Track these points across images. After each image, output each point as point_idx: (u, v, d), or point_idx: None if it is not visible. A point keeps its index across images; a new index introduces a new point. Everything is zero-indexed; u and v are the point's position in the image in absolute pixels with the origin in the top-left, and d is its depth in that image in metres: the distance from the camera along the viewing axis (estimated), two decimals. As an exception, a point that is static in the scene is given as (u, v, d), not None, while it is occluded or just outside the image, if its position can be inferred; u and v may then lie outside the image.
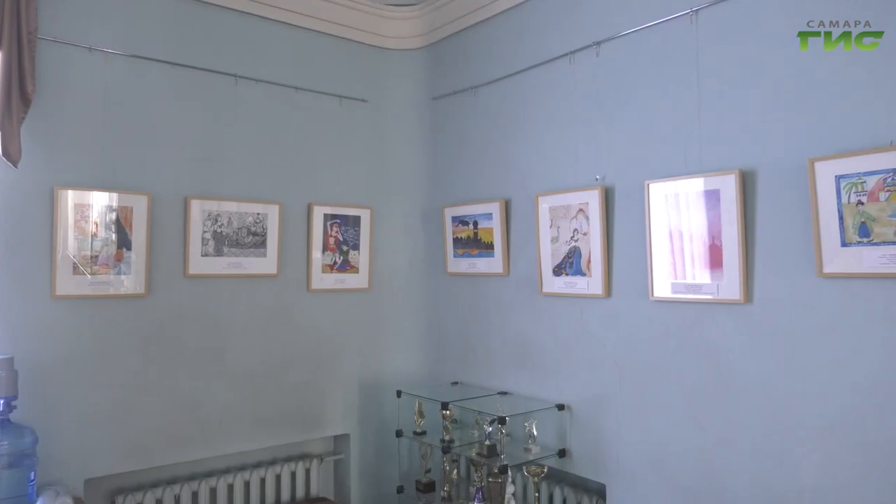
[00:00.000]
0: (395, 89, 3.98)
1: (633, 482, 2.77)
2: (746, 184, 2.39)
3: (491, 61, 3.48)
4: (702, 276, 2.51)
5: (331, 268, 3.67)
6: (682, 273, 2.57)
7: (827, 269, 2.15)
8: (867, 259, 2.06)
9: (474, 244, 3.53)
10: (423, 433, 3.42)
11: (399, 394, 3.49)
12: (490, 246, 3.43)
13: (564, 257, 3.02)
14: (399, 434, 3.45)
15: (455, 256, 3.65)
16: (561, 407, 3.05)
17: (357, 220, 3.77)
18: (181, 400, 3.17)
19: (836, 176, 2.11)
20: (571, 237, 2.99)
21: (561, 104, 3.09)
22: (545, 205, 3.11)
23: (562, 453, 3.02)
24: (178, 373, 3.16)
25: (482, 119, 3.53)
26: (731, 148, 2.44)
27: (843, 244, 2.11)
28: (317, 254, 3.62)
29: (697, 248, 2.52)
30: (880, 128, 2.05)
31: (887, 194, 2.01)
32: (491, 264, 3.43)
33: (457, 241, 3.63)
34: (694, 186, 2.52)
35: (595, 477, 2.92)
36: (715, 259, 2.46)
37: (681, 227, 2.57)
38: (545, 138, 3.17)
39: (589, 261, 2.92)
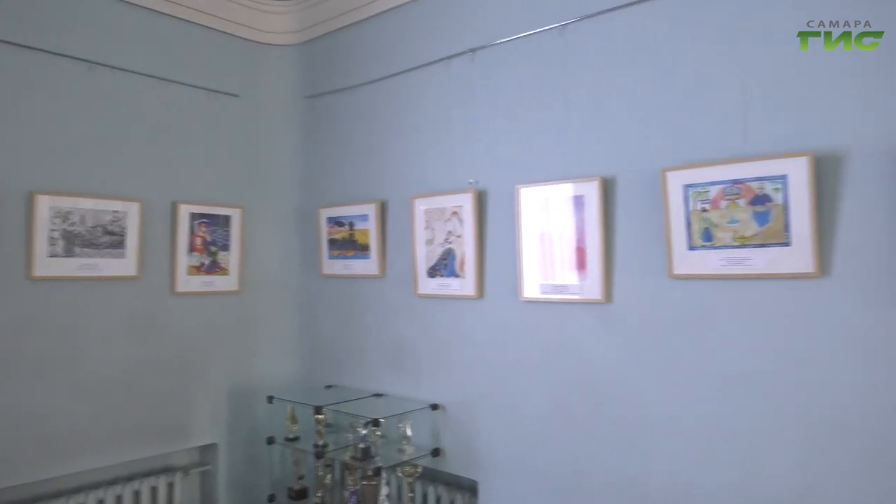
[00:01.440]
0: (270, 85, 3.85)
1: (504, 477, 2.86)
2: (608, 191, 2.54)
3: (368, 62, 3.47)
4: (568, 277, 2.64)
5: (198, 269, 3.49)
6: (552, 274, 2.69)
7: (676, 271, 2.34)
8: (710, 261, 2.26)
9: (350, 245, 3.49)
10: (296, 439, 3.34)
11: (270, 399, 3.38)
12: (366, 247, 3.41)
13: (439, 259, 3.07)
14: (270, 441, 3.34)
15: (330, 258, 3.60)
16: (435, 407, 3.09)
17: (227, 219, 3.61)
18: (22, 416, 2.87)
19: (684, 185, 2.30)
20: (446, 239, 3.04)
21: (437, 108, 3.14)
22: (421, 207, 3.14)
23: (435, 452, 3.06)
24: (18, 387, 2.87)
25: (359, 120, 3.51)
26: (594, 156, 2.59)
27: (691, 248, 2.30)
28: (182, 255, 3.42)
29: (565, 250, 2.65)
30: (724, 140, 2.26)
31: (727, 202, 2.22)
32: (366, 266, 3.41)
33: (332, 242, 3.58)
34: (563, 192, 2.64)
35: (468, 474, 2.99)
36: (580, 261, 2.60)
37: (551, 230, 2.69)
38: (422, 141, 3.20)
39: (462, 262, 2.98)
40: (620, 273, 2.52)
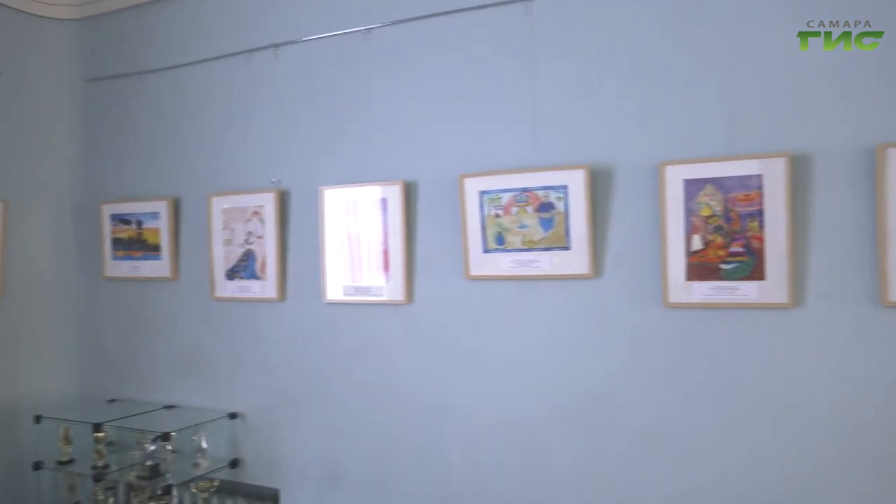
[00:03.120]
0: (42, 63, 3.39)
1: (307, 483, 2.80)
2: (410, 194, 2.60)
3: (162, 47, 3.20)
4: (373, 278, 2.66)
5: (-57, 272, 2.97)
6: (360, 276, 2.69)
7: (473, 272, 2.46)
8: (502, 263, 2.42)
9: (138, 245, 3.20)
10: (71, 462, 2.99)
11: (38, 419, 2.98)
12: (157, 248, 3.15)
13: (238, 260, 2.93)
14: (37, 466, 2.95)
15: (115, 259, 3.27)
16: (233, 416, 2.95)
17: (-16, 214, 3.12)
18: None
19: (480, 191, 2.43)
20: (246, 240, 2.91)
21: (239, 103, 2.99)
22: (219, 206, 2.97)
23: (234, 463, 2.92)
24: None
25: (150, 109, 3.23)
26: (398, 160, 2.64)
27: (486, 251, 2.44)
28: (-78, 254, 2.90)
29: (370, 252, 2.66)
30: (516, 151, 2.41)
31: (517, 209, 2.38)
32: (157, 268, 3.15)
33: (117, 241, 3.25)
34: (369, 194, 2.65)
35: (269, 483, 2.89)
36: (385, 263, 2.63)
37: (359, 232, 2.68)
38: (221, 137, 3.03)
39: (264, 264, 2.87)
40: (422, 275, 2.60)
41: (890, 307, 1.94)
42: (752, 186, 2.07)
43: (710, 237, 2.13)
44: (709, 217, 2.13)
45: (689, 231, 2.15)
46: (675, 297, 2.18)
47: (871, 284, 1.97)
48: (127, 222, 3.23)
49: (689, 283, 2.16)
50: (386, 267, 2.63)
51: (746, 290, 2.09)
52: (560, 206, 2.31)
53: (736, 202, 2.10)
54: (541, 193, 2.34)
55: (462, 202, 2.45)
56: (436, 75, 2.57)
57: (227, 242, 2.95)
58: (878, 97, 1.96)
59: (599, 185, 2.29)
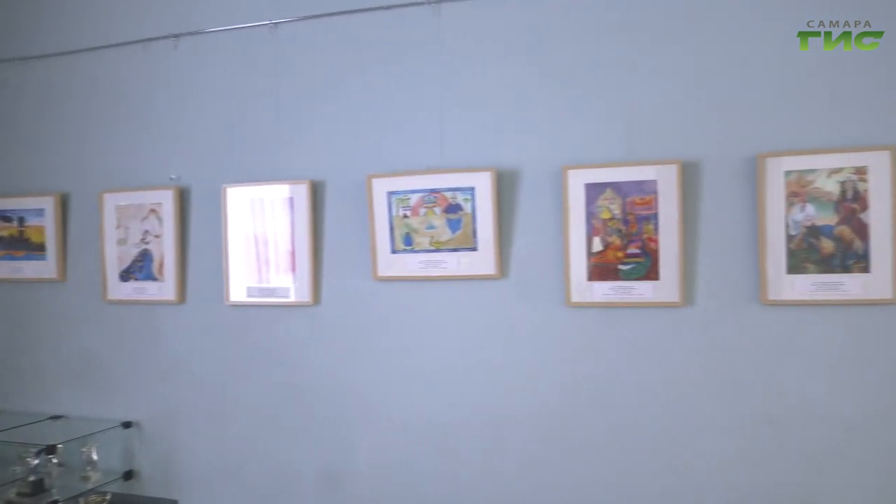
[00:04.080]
0: None
1: (208, 493, 2.70)
2: (317, 194, 2.56)
3: (49, 31, 2.98)
4: (278, 279, 2.59)
5: None
6: (265, 277, 2.61)
7: (381, 273, 2.45)
8: (411, 264, 2.42)
9: (21, 244, 2.97)
10: (-59, 480, 2.73)
11: None
12: (41, 247, 2.93)
13: (134, 261, 2.78)
14: None
15: (-7, 259, 3.02)
16: (128, 425, 2.79)
17: None
18: None
19: (388, 192, 2.42)
20: (142, 239, 2.76)
21: (135, 94, 2.83)
22: (112, 203, 2.80)
23: (128, 475, 2.77)
24: None
25: (35, 97, 2.99)
26: (305, 159, 2.58)
27: (393, 251, 2.43)
28: None
29: (276, 252, 2.59)
30: (425, 152, 2.42)
31: (425, 210, 2.39)
32: (42, 268, 2.93)
33: (-4, 240, 3.01)
34: (277, 193, 2.58)
35: (167, 494, 2.76)
36: (291, 263, 2.57)
37: (266, 232, 2.61)
38: (114, 129, 2.85)
39: (161, 265, 2.74)
40: (329, 275, 2.56)
41: (769, 305, 2.09)
42: (648, 191, 2.18)
43: (609, 239, 2.22)
44: (608, 220, 2.22)
45: (591, 233, 2.23)
46: (577, 296, 2.25)
47: (753, 284, 2.11)
48: (7, 219, 2.99)
49: (590, 283, 2.24)
50: (292, 267, 2.57)
51: (642, 290, 2.20)
52: (467, 207, 2.34)
53: (633, 206, 2.20)
54: (448, 195, 2.36)
55: (370, 202, 2.43)
56: (344, 74, 2.54)
57: (122, 242, 2.79)
58: (759, 109, 2.11)
59: (506, 188, 2.34)
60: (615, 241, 2.22)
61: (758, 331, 2.12)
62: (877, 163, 1.99)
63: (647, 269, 2.19)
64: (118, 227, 2.79)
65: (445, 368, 2.41)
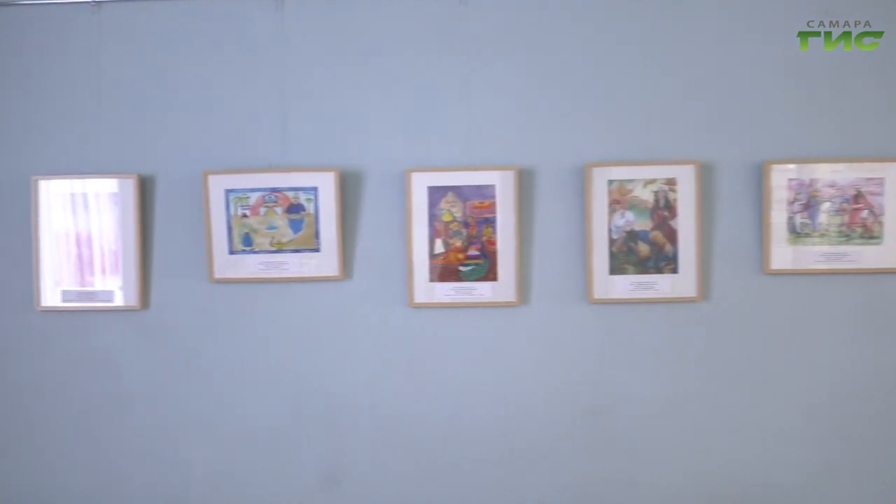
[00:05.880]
0: None
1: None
2: (146, 190, 2.37)
3: None
4: (101, 282, 2.38)
5: None
6: (85, 280, 2.38)
7: (217, 275, 2.33)
8: (250, 265, 2.32)
9: None
10: None
11: None
12: None
13: (-81, 262, 2.41)
14: None
15: None
16: (-89, 450, 2.42)
17: None
18: None
19: (225, 190, 2.30)
20: (-69, 237, 2.41)
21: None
22: None
23: (-89, 509, 2.40)
24: None
25: None
26: (133, 150, 2.38)
27: (231, 252, 2.32)
28: None
29: (100, 253, 2.38)
30: (265, 150, 2.33)
31: (266, 209, 2.31)
32: None
33: None
34: (100, 187, 2.35)
35: (-39, 527, 2.43)
36: (116, 265, 2.36)
37: (88, 230, 2.37)
38: None
39: (-44, 266, 2.40)
40: (160, 278, 2.39)
41: (594, 304, 2.26)
42: (488, 195, 2.26)
43: (450, 241, 2.28)
44: (450, 222, 2.28)
45: (433, 235, 2.28)
46: (419, 297, 2.29)
47: (581, 284, 2.27)
48: None
49: (432, 284, 2.29)
50: (117, 269, 2.37)
51: (482, 290, 2.28)
52: (310, 207, 2.29)
53: (474, 209, 2.27)
54: (290, 195, 2.29)
55: (206, 200, 2.30)
56: (178, 62, 2.38)
57: None
58: (588, 121, 2.27)
59: (349, 189, 2.32)
60: (456, 243, 2.28)
61: (585, 327, 2.28)
62: (684, 175, 2.22)
63: (487, 270, 2.27)
64: None
65: (286, 373, 2.35)
